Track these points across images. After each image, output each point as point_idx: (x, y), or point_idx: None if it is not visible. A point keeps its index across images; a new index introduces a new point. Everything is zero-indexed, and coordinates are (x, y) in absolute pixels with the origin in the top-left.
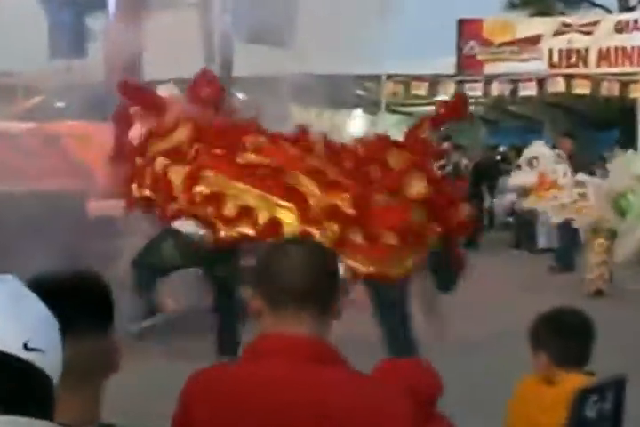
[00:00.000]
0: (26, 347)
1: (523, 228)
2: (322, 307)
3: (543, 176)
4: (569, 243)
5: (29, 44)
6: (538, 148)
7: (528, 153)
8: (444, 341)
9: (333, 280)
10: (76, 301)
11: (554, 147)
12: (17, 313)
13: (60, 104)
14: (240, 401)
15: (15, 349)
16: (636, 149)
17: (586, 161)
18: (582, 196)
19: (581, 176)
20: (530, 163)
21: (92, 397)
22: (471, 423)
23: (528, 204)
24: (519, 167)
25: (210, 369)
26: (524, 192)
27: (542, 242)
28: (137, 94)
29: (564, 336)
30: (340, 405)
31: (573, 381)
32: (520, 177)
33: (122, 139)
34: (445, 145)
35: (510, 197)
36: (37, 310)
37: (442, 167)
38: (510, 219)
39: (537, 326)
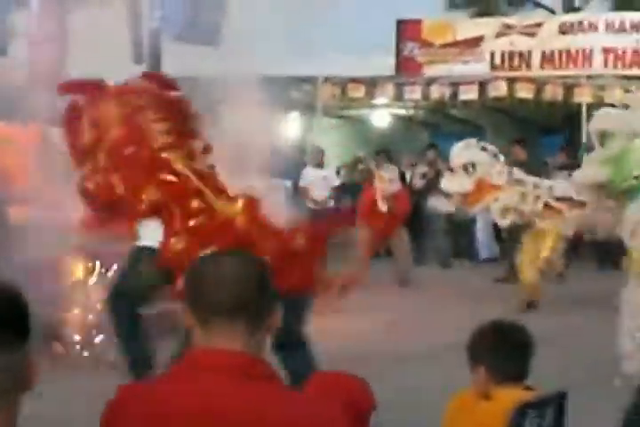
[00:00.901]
0: None
1: (461, 236)
2: (254, 321)
3: (482, 181)
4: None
5: None
6: (473, 152)
7: (463, 157)
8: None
9: (265, 293)
10: None
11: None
12: None
13: None
14: (168, 418)
15: None
16: (582, 155)
17: (537, 168)
18: (524, 195)
19: (518, 173)
20: (465, 168)
21: (7, 415)
22: None
23: (468, 210)
24: (452, 170)
25: (136, 385)
26: (461, 198)
27: (484, 253)
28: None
29: (503, 351)
30: (275, 421)
31: (511, 395)
32: (455, 183)
33: (76, 139)
34: (430, 153)
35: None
36: None
37: (423, 176)
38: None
39: (475, 340)
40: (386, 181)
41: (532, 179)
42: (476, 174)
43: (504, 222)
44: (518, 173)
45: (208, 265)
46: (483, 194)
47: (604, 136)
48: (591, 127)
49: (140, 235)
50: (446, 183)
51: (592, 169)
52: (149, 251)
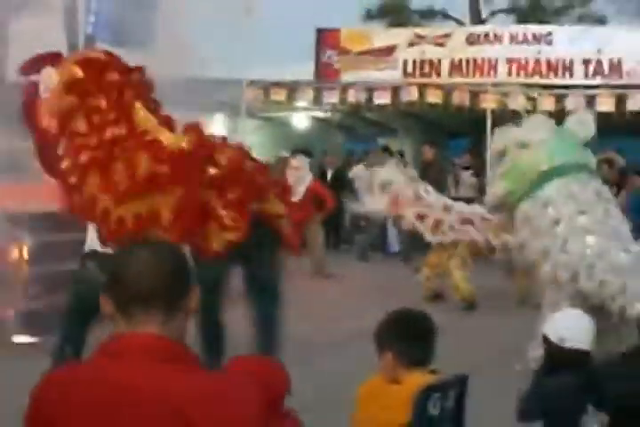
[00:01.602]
0: None
1: (375, 230)
2: (170, 306)
3: (396, 198)
4: None
5: None
6: (389, 172)
7: (380, 177)
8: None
9: (181, 278)
10: None
11: (400, 154)
12: None
13: None
14: (89, 401)
15: None
16: (485, 157)
17: (445, 168)
18: (447, 209)
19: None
20: (382, 187)
21: None
22: (320, 423)
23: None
24: (371, 191)
25: (59, 371)
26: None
27: (394, 246)
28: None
29: (408, 337)
30: (189, 400)
31: (417, 379)
32: (374, 203)
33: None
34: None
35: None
36: None
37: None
38: (362, 223)
39: (382, 328)
40: (293, 168)
41: (441, 202)
42: (390, 193)
43: (434, 240)
44: (430, 195)
45: (125, 256)
46: (397, 209)
47: (501, 155)
48: (491, 151)
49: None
50: (367, 204)
51: (493, 187)
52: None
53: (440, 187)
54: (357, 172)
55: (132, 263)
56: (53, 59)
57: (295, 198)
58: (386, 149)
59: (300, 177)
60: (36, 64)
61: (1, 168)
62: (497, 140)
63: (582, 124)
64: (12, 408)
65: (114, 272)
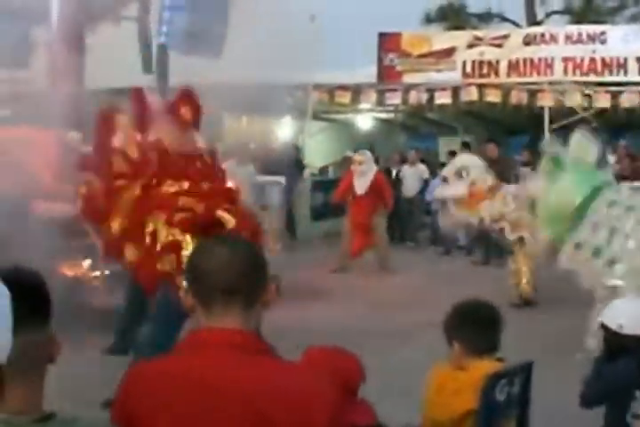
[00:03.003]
0: None
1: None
2: (249, 301)
3: (474, 185)
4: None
5: None
6: (467, 158)
7: (456, 163)
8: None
9: (259, 274)
10: (15, 296)
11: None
12: None
13: (4, 112)
14: (176, 394)
15: None
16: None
17: (510, 164)
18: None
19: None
20: (459, 173)
21: (34, 387)
22: (392, 410)
23: (462, 215)
24: (445, 179)
25: (146, 364)
26: (455, 202)
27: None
28: (142, 103)
29: (476, 327)
30: (268, 392)
31: (484, 367)
32: (449, 189)
33: (103, 142)
34: (412, 153)
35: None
36: None
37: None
38: (428, 218)
39: (450, 318)
40: (357, 162)
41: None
42: (470, 178)
43: (495, 226)
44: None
45: (206, 251)
46: (474, 202)
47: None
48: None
49: None
50: (441, 191)
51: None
52: None
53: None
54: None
55: (213, 258)
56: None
57: (359, 192)
58: (466, 145)
59: (363, 171)
60: (142, 100)
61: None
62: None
63: (586, 146)
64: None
65: (195, 267)
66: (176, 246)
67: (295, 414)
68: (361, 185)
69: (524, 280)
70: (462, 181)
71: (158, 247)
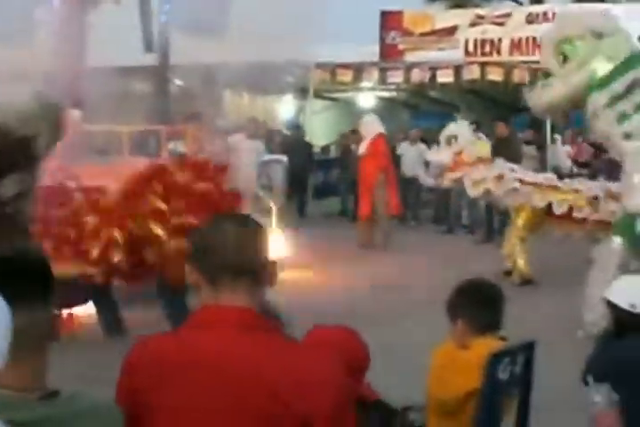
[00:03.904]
0: None
1: (442, 205)
2: (255, 278)
3: (459, 155)
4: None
5: None
6: (457, 127)
7: (447, 131)
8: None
9: (265, 251)
10: (18, 274)
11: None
12: None
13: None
14: (180, 369)
15: None
16: (546, 131)
17: (519, 143)
18: (500, 177)
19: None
20: (448, 141)
21: (37, 365)
22: (395, 389)
23: (444, 182)
24: (438, 144)
25: (151, 339)
26: (440, 171)
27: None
28: None
29: (479, 305)
30: (274, 370)
31: (487, 345)
32: (437, 154)
33: None
34: (412, 131)
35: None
36: None
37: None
38: (430, 196)
39: (453, 296)
40: (364, 123)
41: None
42: (457, 146)
43: (473, 193)
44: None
45: (216, 227)
46: (458, 169)
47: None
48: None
49: None
50: (430, 154)
51: (559, 85)
52: None
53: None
54: None
55: (224, 235)
56: None
57: (360, 152)
58: (474, 123)
59: (367, 132)
60: None
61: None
62: (568, 26)
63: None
64: None
65: (202, 242)
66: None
67: (303, 391)
68: (363, 145)
69: (521, 261)
70: (450, 149)
71: None
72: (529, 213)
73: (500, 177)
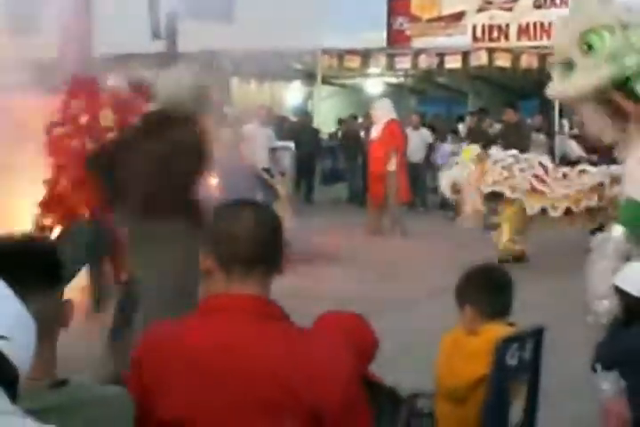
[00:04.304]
0: None
1: None
2: (269, 268)
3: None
4: None
5: None
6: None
7: (445, 181)
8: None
9: (280, 241)
10: (27, 262)
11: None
12: None
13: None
14: (191, 356)
15: None
16: (554, 116)
17: (528, 130)
18: (507, 168)
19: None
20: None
21: (46, 353)
22: (405, 376)
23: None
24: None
25: (162, 326)
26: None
27: None
28: None
29: (488, 290)
30: (285, 361)
31: (496, 331)
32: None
33: None
34: (413, 117)
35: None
36: (15, 307)
37: None
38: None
39: (462, 282)
40: (375, 109)
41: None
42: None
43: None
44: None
45: (232, 215)
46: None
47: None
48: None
49: None
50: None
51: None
52: None
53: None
54: None
55: (240, 224)
56: None
57: (372, 136)
58: (482, 110)
59: (378, 117)
60: None
61: None
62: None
63: None
64: None
65: (218, 229)
66: None
67: (314, 383)
68: (375, 130)
69: (506, 237)
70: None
71: None
72: (520, 216)
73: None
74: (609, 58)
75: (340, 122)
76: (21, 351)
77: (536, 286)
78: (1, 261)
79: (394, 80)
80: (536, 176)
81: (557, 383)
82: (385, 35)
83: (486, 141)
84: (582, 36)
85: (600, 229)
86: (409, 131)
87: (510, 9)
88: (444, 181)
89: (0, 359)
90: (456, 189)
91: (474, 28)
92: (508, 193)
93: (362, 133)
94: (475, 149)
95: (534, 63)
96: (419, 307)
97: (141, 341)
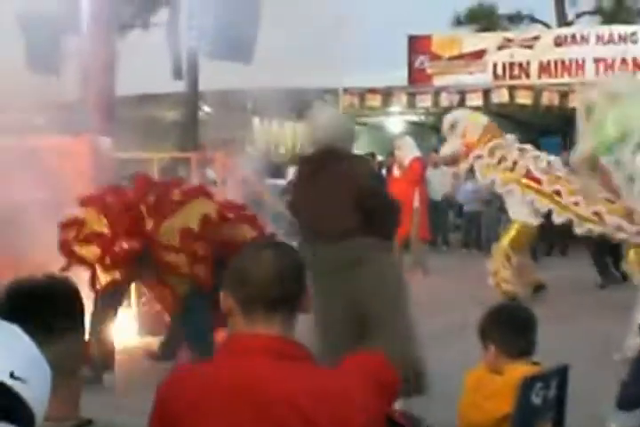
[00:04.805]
0: (12, 375)
1: (471, 228)
2: (291, 309)
3: (465, 137)
4: None
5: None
6: (457, 112)
7: (448, 119)
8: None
9: (302, 282)
10: (51, 304)
11: None
12: (9, 347)
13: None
14: (215, 398)
15: (2, 375)
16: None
17: None
18: (504, 159)
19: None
20: (452, 128)
21: (71, 394)
22: (428, 412)
23: (460, 169)
24: (444, 139)
25: (185, 368)
26: (452, 161)
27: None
28: None
29: (511, 329)
30: (308, 397)
31: (520, 370)
32: (447, 147)
33: None
34: (432, 154)
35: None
36: (31, 351)
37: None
38: (459, 221)
39: (485, 320)
40: (398, 147)
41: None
42: (460, 129)
43: (481, 180)
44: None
45: (253, 256)
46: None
47: (589, 110)
48: (578, 104)
49: None
50: (442, 150)
51: (580, 145)
52: None
53: None
54: None
55: (261, 265)
56: None
57: (395, 174)
58: None
59: (400, 156)
60: None
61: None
62: (586, 93)
63: None
64: None
65: (240, 272)
66: None
67: (336, 415)
68: (398, 167)
69: (503, 277)
70: (454, 135)
71: None
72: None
73: (513, 164)
74: (595, 128)
75: None
76: (37, 393)
77: (561, 320)
78: (26, 302)
79: (415, 118)
80: None
81: (583, 421)
82: (406, 73)
83: None
84: (585, 105)
85: (606, 266)
86: (430, 169)
87: (531, 47)
88: None
89: (17, 401)
90: None
91: (494, 65)
92: None
93: (383, 171)
94: None
95: (555, 100)
96: (441, 344)
97: (168, 379)
